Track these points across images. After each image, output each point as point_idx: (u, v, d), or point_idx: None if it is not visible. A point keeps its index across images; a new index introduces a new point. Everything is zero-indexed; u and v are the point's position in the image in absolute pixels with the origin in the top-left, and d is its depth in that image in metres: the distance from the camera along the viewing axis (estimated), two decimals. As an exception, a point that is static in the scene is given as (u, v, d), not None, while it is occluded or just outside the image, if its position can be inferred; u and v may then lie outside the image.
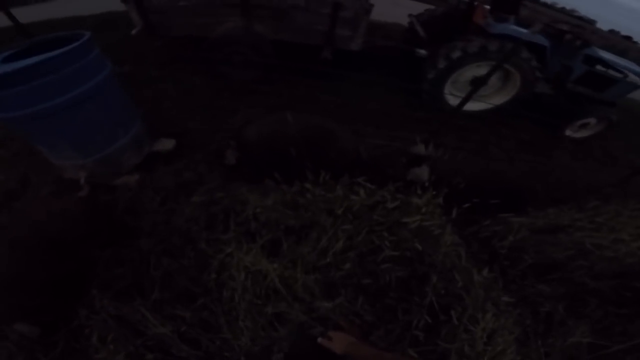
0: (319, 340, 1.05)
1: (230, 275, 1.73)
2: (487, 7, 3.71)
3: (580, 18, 4.37)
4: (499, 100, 3.69)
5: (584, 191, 2.67)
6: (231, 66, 3.46)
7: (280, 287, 1.66)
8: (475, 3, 3.66)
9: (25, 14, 3.02)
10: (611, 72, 3.77)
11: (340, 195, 1.81)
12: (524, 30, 3.34)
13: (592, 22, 4.46)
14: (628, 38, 13.48)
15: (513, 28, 3.41)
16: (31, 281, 1.54)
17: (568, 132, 4.08)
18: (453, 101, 3.61)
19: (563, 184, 2.90)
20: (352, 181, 1.88)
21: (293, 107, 3.08)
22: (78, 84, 1.86)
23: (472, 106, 3.61)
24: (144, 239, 1.94)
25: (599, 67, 3.77)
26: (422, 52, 3.67)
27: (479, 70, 3.51)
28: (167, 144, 2.51)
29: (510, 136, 3.53)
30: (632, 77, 3.75)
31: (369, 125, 2.83)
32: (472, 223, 2.15)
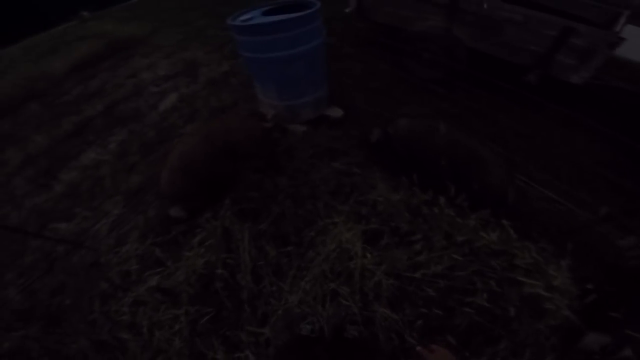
0: (418, 348, 0.99)
1: (324, 241, 1.85)
2: None
3: None
4: None
5: None
6: (417, 62, 3.50)
7: (356, 273, 1.69)
8: None
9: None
10: None
11: (470, 226, 1.66)
12: None
13: None
14: None
15: None
16: (202, 171, 2.03)
17: None
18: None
19: None
20: (492, 219, 1.68)
21: (465, 119, 2.90)
22: (301, 43, 2.32)
23: None
24: (284, 178, 2.30)
25: None
26: None
27: None
28: (337, 112, 2.90)
29: None
30: None
31: (546, 172, 2.34)
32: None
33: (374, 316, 1.57)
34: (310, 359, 1.48)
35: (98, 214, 2.46)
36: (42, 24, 6.70)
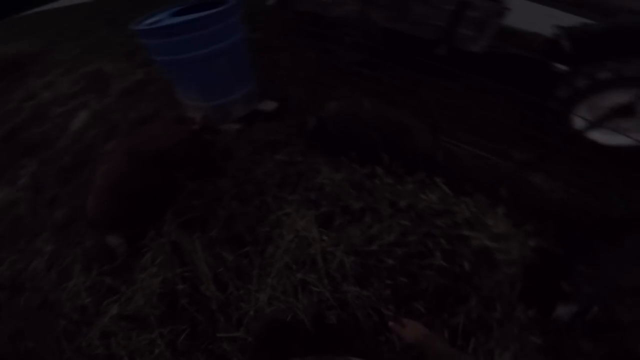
0: (390, 324, 0.99)
1: (280, 234, 1.83)
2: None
3: None
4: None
5: None
6: (341, 47, 3.62)
7: (319, 258, 1.69)
8: None
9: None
10: None
11: (410, 190, 1.75)
12: None
13: None
14: None
15: None
16: (132, 188, 1.84)
17: None
18: (585, 129, 3.00)
19: None
20: (427, 180, 1.79)
21: (392, 96, 3.06)
22: (218, 41, 2.22)
23: (609, 140, 2.96)
24: (225, 179, 2.20)
25: None
26: (562, 67, 3.12)
27: (633, 99, 2.81)
28: (269, 105, 2.85)
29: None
30: None
31: (468, 132, 2.60)
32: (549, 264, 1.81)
33: (346, 297, 1.59)
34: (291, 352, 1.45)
35: (28, 254, 2.17)
36: None
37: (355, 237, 1.73)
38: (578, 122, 2.96)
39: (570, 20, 4.06)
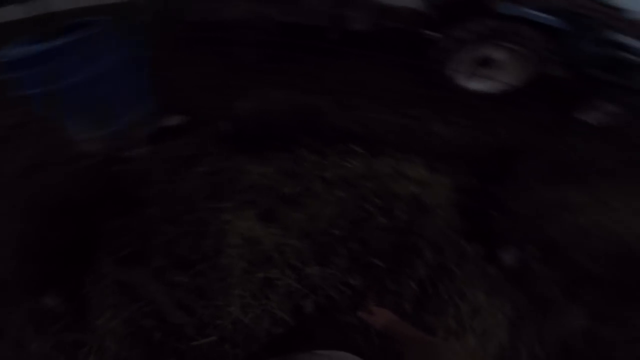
0: (359, 313, 1.00)
1: (228, 243, 1.78)
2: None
3: (605, 4, 4.17)
4: (511, 82, 3.59)
5: (589, 172, 2.63)
6: (243, 47, 3.60)
7: (273, 252, 1.70)
8: None
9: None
10: (630, 56, 3.59)
11: (335, 162, 1.85)
12: (537, 12, 3.25)
13: (618, 10, 4.26)
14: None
15: (525, 10, 3.30)
16: (45, 245, 1.65)
17: (588, 119, 3.92)
18: (463, 82, 3.57)
19: (566, 163, 2.83)
20: (347, 149, 1.91)
21: (299, 85, 3.13)
22: (95, 64, 2.01)
23: (481, 86, 3.54)
24: (151, 207, 2.02)
25: (619, 53, 3.59)
26: (433, 33, 3.63)
27: (490, 51, 3.44)
28: (176, 120, 2.68)
29: (520, 117, 3.42)
30: None
31: (374, 102, 2.86)
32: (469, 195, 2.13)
33: (314, 281, 1.62)
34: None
35: None
36: None
37: (301, 220, 1.77)
38: (457, 77, 3.50)
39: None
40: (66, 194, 1.81)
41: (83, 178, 1.92)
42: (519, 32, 3.24)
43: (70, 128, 2.30)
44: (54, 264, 1.69)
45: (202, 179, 2.17)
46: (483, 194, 2.16)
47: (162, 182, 2.21)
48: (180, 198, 2.07)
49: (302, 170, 1.91)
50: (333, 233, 1.75)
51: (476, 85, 3.61)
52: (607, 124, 3.92)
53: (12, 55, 1.92)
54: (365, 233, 1.76)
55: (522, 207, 2.18)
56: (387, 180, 1.87)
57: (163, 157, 2.36)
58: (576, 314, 1.85)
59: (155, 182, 2.21)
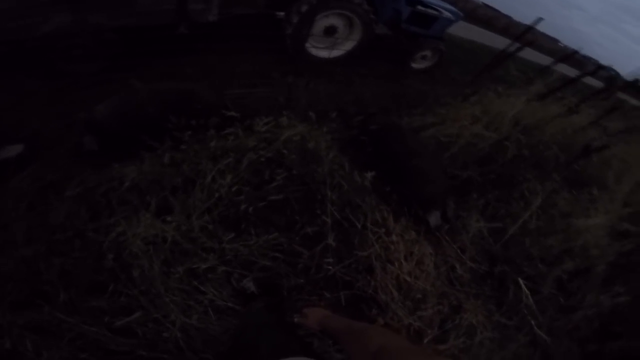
0: (296, 320, 1.03)
1: (131, 253, 1.68)
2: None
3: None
4: (351, 45, 4.24)
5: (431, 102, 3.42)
6: (73, 61, 3.15)
7: (183, 242, 1.68)
8: None
9: None
10: (430, 11, 4.67)
11: (214, 136, 1.92)
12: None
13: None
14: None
15: None
16: None
17: (414, 65, 5.02)
18: (314, 52, 4.03)
19: (415, 99, 3.65)
20: (221, 121, 1.98)
21: (153, 86, 3.01)
22: None
23: (329, 53, 4.07)
24: (23, 247, 1.74)
25: (419, 8, 4.61)
26: (280, 13, 3.93)
27: (329, 20, 3.96)
28: (14, 150, 2.21)
29: (369, 74, 4.16)
30: (446, 14, 4.74)
31: (242, 86, 3.01)
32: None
33: (240, 257, 1.67)
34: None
35: None
36: None
37: (199, 200, 1.79)
38: (309, 48, 3.93)
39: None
40: None
41: None
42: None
43: None
44: None
45: (76, 202, 1.95)
46: (359, 130, 2.58)
47: (24, 219, 1.89)
48: (56, 227, 1.84)
49: (185, 156, 1.91)
50: (236, 201, 1.81)
51: (326, 52, 4.13)
52: (427, 66, 5.10)
53: None
54: (267, 193, 1.89)
55: (391, 132, 2.67)
56: (269, 137, 2.05)
57: (14, 194, 1.99)
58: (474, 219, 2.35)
59: (16, 221, 1.87)
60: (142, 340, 1.51)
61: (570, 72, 5.21)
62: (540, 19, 3.80)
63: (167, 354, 1.49)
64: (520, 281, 2.07)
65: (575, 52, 4.78)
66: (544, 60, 6.20)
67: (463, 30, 7.81)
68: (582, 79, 4.20)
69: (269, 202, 1.92)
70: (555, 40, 35.73)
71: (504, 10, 29.34)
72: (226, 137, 1.99)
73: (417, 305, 1.87)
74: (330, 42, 4.03)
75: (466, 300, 2.02)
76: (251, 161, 1.94)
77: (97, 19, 3.05)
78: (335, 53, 4.12)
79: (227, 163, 1.91)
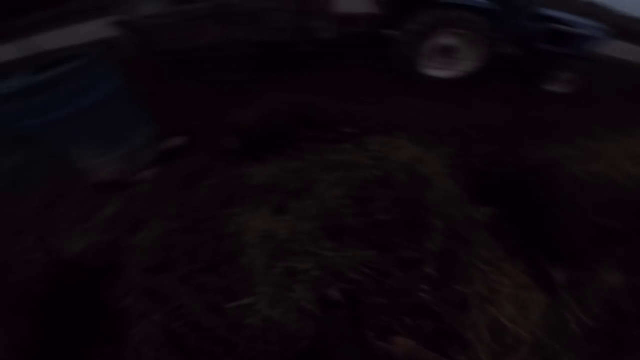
0: (380, 344, 1.03)
1: (245, 242, 1.89)
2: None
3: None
4: (471, 65, 3.95)
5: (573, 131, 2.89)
6: (221, 71, 3.83)
7: (289, 242, 1.81)
8: None
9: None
10: (563, 27, 4.00)
11: (331, 148, 2.06)
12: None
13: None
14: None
15: None
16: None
17: (549, 87, 4.36)
18: (431, 71, 3.90)
19: (551, 126, 3.14)
20: (338, 135, 2.13)
21: (283, 97, 3.38)
22: (91, 92, 2.17)
23: (447, 73, 3.88)
24: (165, 222, 2.16)
25: (551, 24, 3.99)
26: (390, 31, 3.97)
27: (445, 39, 3.79)
28: (176, 141, 2.85)
29: (492, 96, 3.73)
30: (585, 30, 4.02)
31: (357, 102, 3.12)
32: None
33: (334, 265, 1.71)
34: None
35: None
36: None
37: (310, 207, 1.92)
38: (424, 68, 3.83)
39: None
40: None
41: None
42: (463, 18, 3.56)
43: (77, 156, 2.43)
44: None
45: (211, 190, 2.33)
46: (479, 158, 2.30)
47: (173, 197, 2.36)
48: (194, 209, 2.22)
49: (304, 164, 2.09)
50: (342, 213, 1.88)
51: (442, 72, 3.95)
52: (568, 89, 4.36)
53: (8, 87, 2.02)
54: (372, 210, 1.89)
55: (519, 164, 2.32)
56: (382, 156, 2.07)
57: (170, 176, 2.53)
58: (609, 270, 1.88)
59: (166, 198, 2.36)
60: (227, 320, 1.67)
61: None
62: None
63: (243, 339, 1.61)
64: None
65: None
66: None
67: (616, 49, 6.41)
68: None
69: (372, 219, 1.93)
70: None
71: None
72: (340, 151, 2.09)
73: (506, 352, 1.62)
74: (448, 62, 3.86)
75: (566, 355, 1.65)
76: (361, 178, 1.99)
77: (240, 34, 3.63)
78: (453, 73, 3.92)
79: (338, 176, 1.99)
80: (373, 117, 2.78)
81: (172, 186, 2.44)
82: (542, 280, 1.88)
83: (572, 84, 4.37)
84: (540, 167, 2.30)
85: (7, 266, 2.10)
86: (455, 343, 1.65)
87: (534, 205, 2.02)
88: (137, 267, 1.91)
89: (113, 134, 2.40)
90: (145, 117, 2.68)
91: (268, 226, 1.93)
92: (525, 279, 1.87)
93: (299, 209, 1.97)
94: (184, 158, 2.70)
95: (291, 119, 2.22)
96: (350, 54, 3.82)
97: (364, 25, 4.50)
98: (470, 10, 3.53)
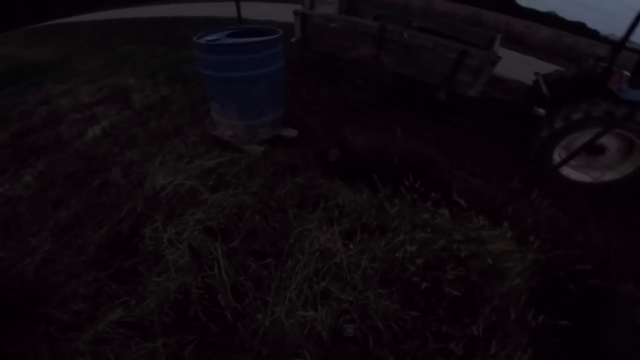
0: None
1: (301, 248, 1.93)
2: (627, 73, 3.25)
3: None
4: (618, 174, 3.25)
5: None
6: (352, 86, 4.05)
7: (344, 267, 1.78)
8: (615, 68, 3.27)
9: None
10: None
11: (424, 209, 1.98)
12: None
13: None
14: None
15: None
16: None
17: None
18: (566, 169, 3.36)
19: None
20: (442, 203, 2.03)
21: (409, 132, 3.40)
22: (265, 65, 2.50)
23: (579, 176, 3.35)
24: (248, 195, 2.31)
25: None
26: (541, 110, 3.53)
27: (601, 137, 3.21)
28: (291, 132, 3.14)
29: (615, 217, 2.97)
30: None
31: (468, 170, 2.96)
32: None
33: (367, 307, 1.65)
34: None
35: (18, 252, 2.07)
36: None
37: (378, 248, 1.88)
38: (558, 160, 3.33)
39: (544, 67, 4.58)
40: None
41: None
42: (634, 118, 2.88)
43: (217, 111, 2.81)
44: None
45: (298, 188, 2.43)
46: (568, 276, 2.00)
47: (265, 178, 2.52)
48: (275, 197, 2.34)
49: (393, 208, 2.04)
50: (405, 269, 1.80)
51: (579, 175, 3.40)
52: None
53: (206, 41, 2.45)
54: (435, 279, 1.77)
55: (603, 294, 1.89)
56: (473, 238, 1.93)
57: (272, 159, 2.74)
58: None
59: (259, 176, 2.53)
60: (240, 308, 1.70)
61: None
62: None
63: (244, 329, 1.62)
64: None
65: None
66: None
67: None
68: None
69: (431, 285, 1.79)
70: None
71: None
72: (436, 215, 2.00)
73: None
74: (591, 164, 3.31)
75: None
76: (441, 248, 1.87)
77: (387, 60, 3.72)
78: (593, 178, 3.33)
79: (421, 237, 1.91)
80: (477, 193, 2.58)
81: (267, 169, 2.63)
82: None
83: None
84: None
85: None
86: None
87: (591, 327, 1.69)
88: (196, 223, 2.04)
89: (255, 104, 2.70)
90: (282, 100, 2.97)
91: (331, 245, 1.93)
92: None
93: (367, 245, 1.94)
94: (290, 150, 2.90)
95: (404, 164, 2.19)
96: (482, 118, 3.58)
97: (510, 93, 4.17)
98: None
